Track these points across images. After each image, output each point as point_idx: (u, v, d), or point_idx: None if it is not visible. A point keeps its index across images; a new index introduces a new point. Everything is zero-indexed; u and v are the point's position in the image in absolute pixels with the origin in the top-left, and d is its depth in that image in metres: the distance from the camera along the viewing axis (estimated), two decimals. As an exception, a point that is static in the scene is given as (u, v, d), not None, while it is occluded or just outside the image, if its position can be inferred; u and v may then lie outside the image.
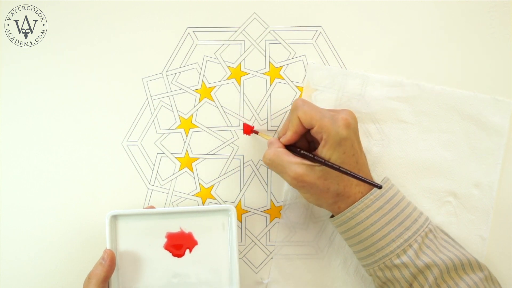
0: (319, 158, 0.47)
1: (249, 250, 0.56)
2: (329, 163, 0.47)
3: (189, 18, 0.58)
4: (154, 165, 0.57)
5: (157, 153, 0.57)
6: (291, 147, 0.50)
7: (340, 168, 0.46)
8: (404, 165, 0.56)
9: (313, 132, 0.48)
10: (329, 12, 0.57)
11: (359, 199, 0.48)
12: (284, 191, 0.56)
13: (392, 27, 0.58)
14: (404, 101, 0.56)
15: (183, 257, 0.51)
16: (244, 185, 0.57)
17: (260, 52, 0.57)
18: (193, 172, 0.57)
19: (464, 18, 0.58)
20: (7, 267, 0.56)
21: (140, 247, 0.51)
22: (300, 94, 0.57)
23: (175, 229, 0.51)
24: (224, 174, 0.57)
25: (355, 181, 0.48)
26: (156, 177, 0.57)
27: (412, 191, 0.55)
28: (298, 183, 0.48)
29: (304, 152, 0.49)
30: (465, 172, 0.56)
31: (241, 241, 0.56)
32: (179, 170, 0.57)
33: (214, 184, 0.57)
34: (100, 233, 0.55)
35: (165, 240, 0.51)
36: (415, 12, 0.58)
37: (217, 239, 0.51)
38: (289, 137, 0.50)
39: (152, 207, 0.52)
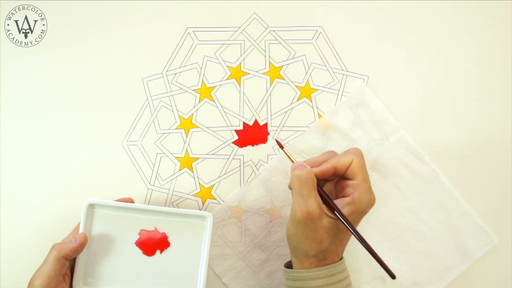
0: (341, 211, 0.45)
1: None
2: (349, 223, 0.45)
3: (189, 18, 0.58)
4: (154, 165, 0.57)
5: (157, 153, 0.57)
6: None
7: (357, 234, 0.44)
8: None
9: (349, 184, 0.47)
10: (329, 12, 0.58)
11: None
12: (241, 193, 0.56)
13: (392, 27, 0.58)
14: (413, 174, 0.56)
15: (152, 257, 0.50)
16: (244, 185, 0.57)
17: (260, 52, 0.57)
18: (193, 172, 0.57)
19: (464, 18, 0.58)
20: (7, 265, 0.56)
21: (112, 239, 0.50)
22: (319, 116, 0.57)
23: (149, 227, 0.51)
24: (224, 174, 0.57)
25: (340, 249, 0.47)
26: (156, 177, 0.57)
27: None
28: (305, 218, 0.45)
29: (328, 198, 0.46)
30: (420, 268, 0.56)
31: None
32: (179, 170, 0.57)
33: (214, 184, 0.57)
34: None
35: (137, 236, 0.51)
36: (414, 12, 0.58)
37: (190, 244, 0.51)
38: (325, 168, 0.47)
39: (131, 199, 0.52)
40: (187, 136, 0.57)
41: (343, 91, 0.57)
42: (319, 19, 0.58)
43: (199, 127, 0.57)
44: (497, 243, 0.56)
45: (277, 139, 0.54)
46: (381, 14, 0.58)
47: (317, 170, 0.47)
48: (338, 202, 0.46)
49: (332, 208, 0.46)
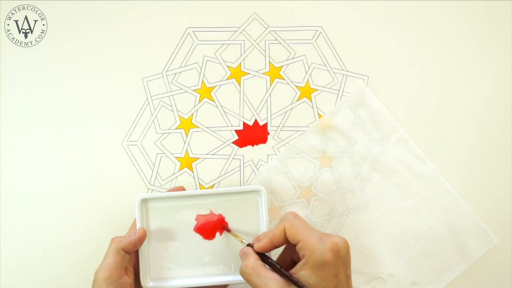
0: (294, 278, 0.42)
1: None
2: (303, 286, 0.42)
3: (189, 18, 0.58)
4: (154, 165, 0.57)
5: (157, 153, 0.57)
6: (264, 258, 0.46)
7: None
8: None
9: (297, 248, 0.44)
10: (329, 12, 0.58)
11: None
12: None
13: (392, 27, 0.58)
14: (413, 174, 0.56)
15: (214, 240, 0.50)
16: (244, 185, 0.57)
17: (260, 52, 0.57)
18: (193, 172, 0.57)
19: (464, 18, 0.58)
20: (7, 266, 0.56)
21: (170, 230, 0.50)
22: (319, 116, 0.57)
23: (205, 212, 0.51)
24: (224, 174, 0.57)
25: None
26: (156, 177, 0.57)
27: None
28: None
29: (279, 267, 0.44)
30: (419, 269, 0.56)
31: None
32: (179, 170, 0.57)
33: (214, 184, 0.57)
34: (100, 233, 0.56)
35: (195, 222, 0.50)
36: (415, 12, 0.58)
37: (248, 220, 0.50)
38: (263, 244, 0.46)
39: (182, 188, 0.52)
40: (187, 136, 0.57)
41: (343, 91, 0.57)
42: (319, 19, 0.58)
43: (199, 127, 0.57)
44: (497, 243, 0.56)
45: (223, 226, 0.51)
46: (381, 14, 0.58)
47: (257, 246, 0.46)
48: (297, 268, 0.43)
49: (287, 278, 0.43)
